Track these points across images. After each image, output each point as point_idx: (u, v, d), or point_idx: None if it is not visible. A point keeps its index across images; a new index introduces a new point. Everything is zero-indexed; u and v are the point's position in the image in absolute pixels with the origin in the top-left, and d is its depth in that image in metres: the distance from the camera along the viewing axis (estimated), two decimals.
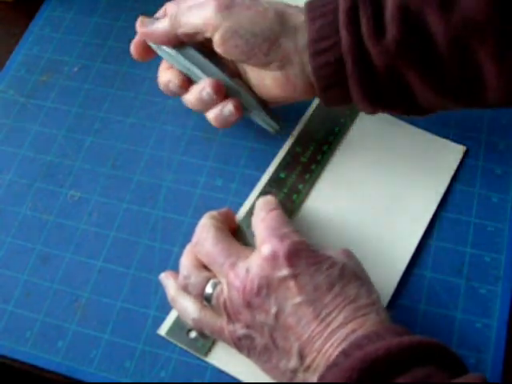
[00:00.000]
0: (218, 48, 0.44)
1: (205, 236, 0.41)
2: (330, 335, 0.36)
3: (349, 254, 0.40)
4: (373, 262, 0.42)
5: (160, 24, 0.46)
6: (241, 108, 0.46)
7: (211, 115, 0.46)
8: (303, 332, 0.36)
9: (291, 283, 0.37)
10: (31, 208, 0.50)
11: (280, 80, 0.44)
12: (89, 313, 0.45)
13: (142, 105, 0.54)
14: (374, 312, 0.37)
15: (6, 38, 0.59)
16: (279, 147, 0.50)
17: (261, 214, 0.41)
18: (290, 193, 0.47)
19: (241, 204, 0.48)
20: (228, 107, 0.45)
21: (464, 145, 0.49)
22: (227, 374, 0.42)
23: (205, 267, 0.41)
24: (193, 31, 0.44)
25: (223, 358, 0.43)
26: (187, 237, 0.47)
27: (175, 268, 0.46)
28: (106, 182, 0.50)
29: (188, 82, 0.47)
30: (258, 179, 0.49)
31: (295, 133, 0.50)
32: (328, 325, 0.36)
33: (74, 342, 0.44)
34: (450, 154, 0.49)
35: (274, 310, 0.37)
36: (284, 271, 0.37)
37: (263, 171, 0.49)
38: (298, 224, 0.46)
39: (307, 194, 0.48)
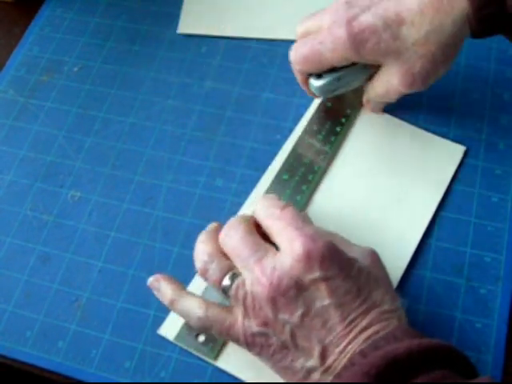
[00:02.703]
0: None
1: (235, 230, 0.40)
2: (353, 338, 0.36)
3: (374, 257, 0.40)
4: None
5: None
6: None
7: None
8: (328, 334, 0.36)
9: (322, 285, 0.37)
10: (31, 208, 0.50)
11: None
12: (89, 313, 0.45)
13: (142, 105, 0.54)
14: (396, 317, 0.37)
15: (6, 38, 0.59)
16: (279, 147, 0.50)
17: (274, 211, 0.40)
18: (293, 194, 0.47)
19: (241, 204, 0.48)
20: None
21: (464, 145, 0.49)
22: (227, 374, 0.42)
23: (227, 257, 0.40)
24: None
25: (233, 362, 0.42)
26: (187, 237, 0.47)
27: (175, 268, 0.46)
28: (106, 182, 0.50)
29: None
30: (258, 179, 0.49)
31: (297, 134, 0.50)
32: (354, 328, 0.36)
33: (74, 341, 0.44)
34: (450, 153, 0.49)
35: (300, 310, 0.37)
36: (317, 273, 0.37)
37: (263, 171, 0.49)
38: None
39: (311, 195, 0.48)
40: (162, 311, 0.44)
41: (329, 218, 0.46)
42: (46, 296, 0.46)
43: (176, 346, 0.43)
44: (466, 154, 0.49)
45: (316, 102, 0.52)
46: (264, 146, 0.51)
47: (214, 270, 0.40)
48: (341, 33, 0.43)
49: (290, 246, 0.38)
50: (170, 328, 0.44)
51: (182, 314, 0.41)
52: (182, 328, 0.43)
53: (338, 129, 0.50)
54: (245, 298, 0.38)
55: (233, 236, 0.40)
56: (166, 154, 0.51)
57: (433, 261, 0.45)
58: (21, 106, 0.55)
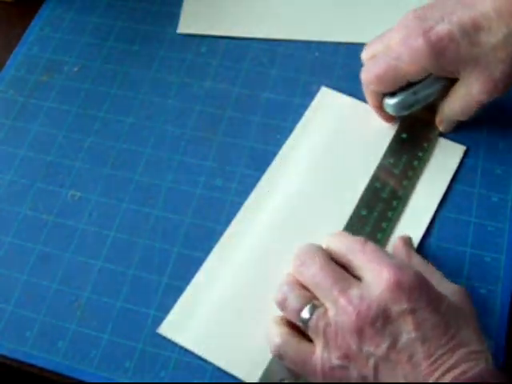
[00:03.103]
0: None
1: (312, 258, 0.39)
2: (440, 376, 0.35)
3: (464, 295, 0.39)
4: None
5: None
6: None
7: None
8: (413, 369, 0.35)
9: (410, 317, 0.36)
10: (31, 208, 0.50)
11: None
12: (89, 313, 0.45)
13: (142, 105, 0.54)
14: (483, 359, 0.36)
15: (6, 38, 0.59)
16: (279, 147, 0.50)
17: (355, 246, 0.39)
18: (373, 231, 0.45)
19: (241, 204, 0.48)
20: None
21: (464, 145, 0.49)
22: (227, 374, 0.42)
23: (307, 288, 0.39)
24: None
25: None
26: (187, 237, 0.47)
27: (175, 268, 0.46)
28: (106, 182, 0.50)
29: None
30: (258, 179, 0.49)
31: (373, 166, 0.48)
32: (440, 366, 0.35)
33: (74, 342, 0.44)
34: (450, 153, 0.49)
35: (387, 342, 0.36)
36: (405, 304, 0.36)
37: (263, 171, 0.49)
38: None
39: (391, 232, 0.46)
40: (162, 311, 0.44)
41: None
42: (46, 296, 0.46)
43: (176, 345, 0.43)
44: (465, 154, 0.49)
45: (388, 138, 0.50)
46: (264, 145, 0.51)
47: (292, 299, 0.39)
48: (419, 44, 0.43)
49: (378, 276, 0.37)
50: (170, 327, 0.44)
51: (267, 338, 0.40)
52: (264, 374, 0.41)
53: (416, 163, 0.48)
54: (326, 329, 0.37)
55: (310, 265, 0.39)
56: (165, 153, 0.51)
57: (433, 261, 0.45)
58: (21, 106, 0.55)
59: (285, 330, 0.39)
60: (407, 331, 0.36)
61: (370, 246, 0.39)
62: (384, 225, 0.46)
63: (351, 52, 0.54)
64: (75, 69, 0.56)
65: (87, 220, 0.49)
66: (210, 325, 0.44)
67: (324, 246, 0.41)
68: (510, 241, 0.46)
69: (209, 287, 0.45)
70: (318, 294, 0.39)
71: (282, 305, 0.40)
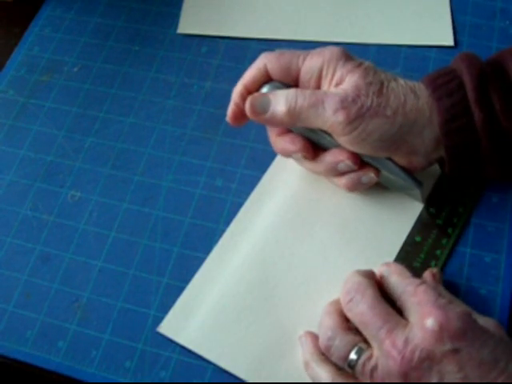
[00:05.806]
0: (342, 143, 0.43)
1: (361, 295, 0.39)
2: None
3: (499, 326, 0.39)
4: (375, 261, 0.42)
5: (277, 113, 0.43)
6: (379, 172, 0.45)
7: (344, 181, 0.45)
8: None
9: (456, 357, 0.35)
10: (31, 208, 0.50)
11: (401, 162, 0.44)
12: (89, 313, 0.45)
13: (142, 105, 0.54)
14: None
15: (6, 38, 0.59)
16: None
17: (410, 288, 0.39)
18: (427, 258, 0.45)
19: (241, 204, 0.48)
20: (369, 175, 0.44)
21: None
22: (227, 374, 0.42)
23: (351, 329, 0.39)
24: (312, 127, 0.43)
25: None
26: (187, 237, 0.47)
27: (175, 268, 0.46)
28: (106, 182, 0.50)
29: (315, 150, 0.45)
30: (258, 179, 0.49)
31: (427, 191, 0.47)
32: None
33: (74, 341, 0.44)
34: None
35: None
36: (449, 345, 0.35)
37: (263, 171, 0.49)
38: None
39: (446, 260, 0.45)
40: (162, 311, 0.44)
41: None
42: (46, 296, 0.46)
43: (176, 345, 0.43)
44: None
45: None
46: (264, 146, 0.51)
47: (337, 346, 0.38)
48: None
49: (422, 318, 0.36)
50: (170, 326, 0.44)
51: (311, 376, 0.41)
52: None
53: (472, 189, 0.47)
54: (373, 373, 0.37)
55: (360, 302, 0.38)
56: (165, 154, 0.51)
57: None
58: (21, 106, 0.55)
59: (333, 374, 0.39)
60: (454, 371, 0.35)
61: (423, 287, 0.38)
62: (438, 252, 0.45)
63: (351, 52, 0.54)
64: (75, 69, 0.56)
65: (87, 220, 0.49)
66: (210, 324, 0.44)
67: (377, 273, 0.41)
68: (510, 241, 0.46)
69: (209, 287, 0.45)
70: (364, 332, 0.38)
71: (327, 351, 0.39)
